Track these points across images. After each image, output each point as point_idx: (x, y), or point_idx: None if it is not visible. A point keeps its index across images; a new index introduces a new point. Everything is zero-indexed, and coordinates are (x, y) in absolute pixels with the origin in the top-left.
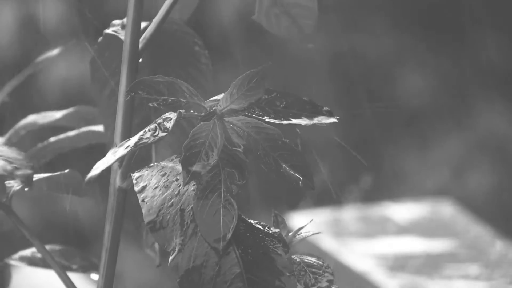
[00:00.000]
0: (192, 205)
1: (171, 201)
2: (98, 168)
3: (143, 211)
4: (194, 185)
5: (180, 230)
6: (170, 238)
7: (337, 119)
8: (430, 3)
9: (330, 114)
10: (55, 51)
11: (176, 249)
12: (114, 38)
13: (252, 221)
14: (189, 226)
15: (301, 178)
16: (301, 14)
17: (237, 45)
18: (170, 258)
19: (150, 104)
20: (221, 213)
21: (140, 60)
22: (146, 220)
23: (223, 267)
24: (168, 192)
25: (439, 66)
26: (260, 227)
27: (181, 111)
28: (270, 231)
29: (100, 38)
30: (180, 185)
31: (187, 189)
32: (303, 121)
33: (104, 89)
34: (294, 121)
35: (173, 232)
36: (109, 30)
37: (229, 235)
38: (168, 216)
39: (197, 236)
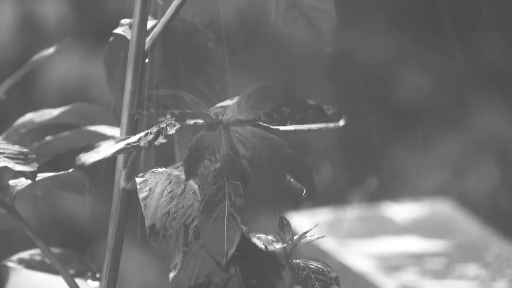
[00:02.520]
0: (196, 222)
1: (175, 214)
2: (90, 157)
3: (146, 221)
4: (199, 200)
5: (182, 246)
6: (172, 253)
7: (344, 121)
8: (430, 2)
9: (337, 117)
10: (50, 50)
11: (178, 266)
12: (123, 38)
13: (256, 240)
14: (192, 244)
15: (304, 189)
16: (319, 17)
17: (239, 45)
18: (172, 274)
19: (159, 120)
20: (225, 227)
21: (146, 60)
22: (148, 231)
23: None
24: (172, 204)
25: (439, 66)
26: (264, 247)
27: (187, 122)
28: (274, 252)
29: (111, 38)
30: (185, 198)
31: (192, 204)
32: (309, 126)
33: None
34: (300, 126)
35: (176, 247)
36: (118, 30)
37: (232, 251)
38: (171, 230)
39: (200, 254)
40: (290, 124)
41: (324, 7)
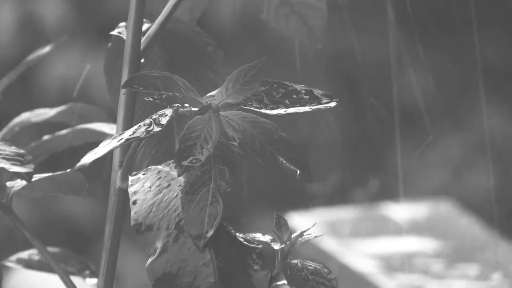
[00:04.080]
0: (178, 212)
1: (159, 206)
2: (89, 157)
3: (131, 213)
4: (183, 182)
5: (163, 234)
6: (152, 242)
7: (336, 102)
8: (430, 3)
9: (329, 98)
10: (46, 48)
11: (156, 253)
12: (122, 42)
13: (239, 234)
14: (172, 232)
15: (298, 172)
16: (311, 14)
17: (237, 44)
18: (149, 260)
19: (146, 99)
20: (207, 209)
21: (142, 60)
22: (132, 222)
23: (199, 275)
24: (158, 196)
25: (439, 66)
26: (243, 240)
27: (177, 105)
28: (253, 246)
29: (109, 44)
30: (170, 191)
31: (176, 195)
32: (301, 109)
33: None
34: (292, 109)
35: (156, 236)
36: (114, 32)
37: (211, 233)
38: (154, 220)
39: (178, 242)
40: (281, 108)
41: (316, 4)
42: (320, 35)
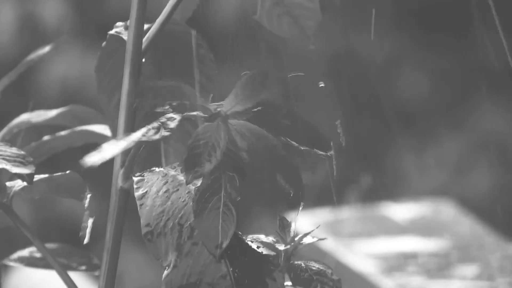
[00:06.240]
0: (190, 221)
1: (169, 214)
2: (97, 156)
3: (141, 221)
4: (194, 190)
5: (176, 245)
6: (166, 253)
7: (330, 155)
8: (430, 3)
9: (327, 148)
10: (46, 48)
11: (171, 265)
12: (118, 41)
13: (249, 241)
14: (185, 243)
15: (291, 192)
16: (304, 15)
17: (237, 44)
18: (165, 273)
19: (157, 110)
20: (220, 218)
21: (143, 60)
22: (143, 230)
23: (217, 287)
24: (167, 203)
25: (439, 66)
26: (256, 248)
27: (186, 113)
28: (266, 254)
29: (104, 43)
30: (180, 197)
31: (186, 203)
32: (300, 146)
33: (112, 98)
34: (290, 142)
35: (169, 246)
36: (112, 32)
37: (227, 242)
38: (166, 229)
39: (193, 254)
40: (283, 138)
41: (309, 5)
42: (311, 36)
